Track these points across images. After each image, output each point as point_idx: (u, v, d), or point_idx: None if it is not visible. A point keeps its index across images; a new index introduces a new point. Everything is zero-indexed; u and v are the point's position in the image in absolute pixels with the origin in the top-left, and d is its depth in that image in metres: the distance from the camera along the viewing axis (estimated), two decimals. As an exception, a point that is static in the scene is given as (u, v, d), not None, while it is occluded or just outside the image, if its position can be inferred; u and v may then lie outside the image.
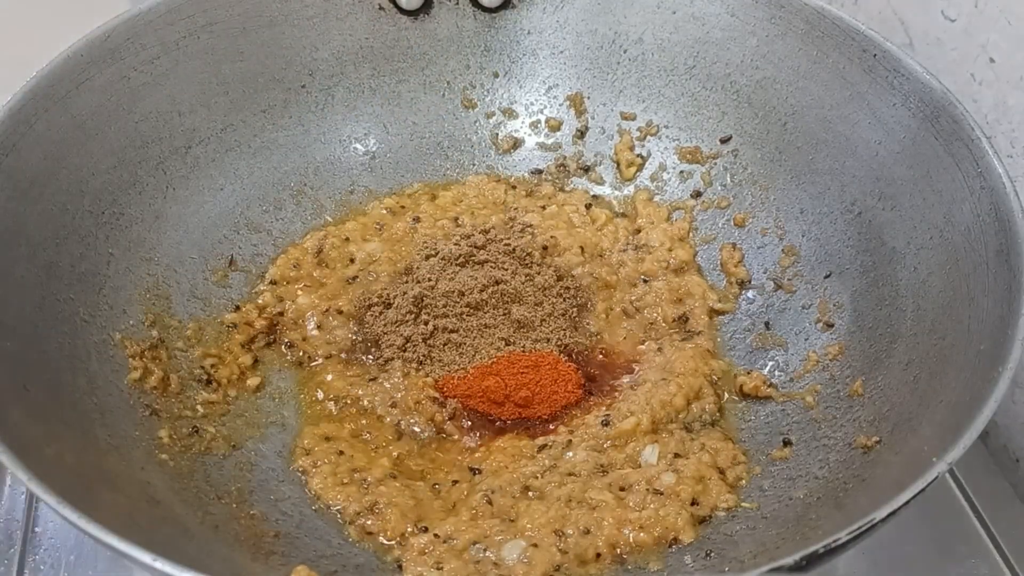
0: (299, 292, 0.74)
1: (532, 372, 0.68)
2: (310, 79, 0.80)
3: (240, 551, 0.56)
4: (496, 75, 0.84)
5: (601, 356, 0.72)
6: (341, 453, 0.65)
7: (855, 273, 0.70)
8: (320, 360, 0.71)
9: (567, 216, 0.80)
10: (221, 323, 0.71)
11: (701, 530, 0.60)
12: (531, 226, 0.79)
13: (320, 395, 0.69)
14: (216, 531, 0.57)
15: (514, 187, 0.83)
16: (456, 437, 0.67)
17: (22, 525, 0.66)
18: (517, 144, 0.85)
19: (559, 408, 0.68)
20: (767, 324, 0.73)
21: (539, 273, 0.73)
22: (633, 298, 0.75)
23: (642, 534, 0.59)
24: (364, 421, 0.68)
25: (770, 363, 0.71)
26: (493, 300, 0.72)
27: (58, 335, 0.60)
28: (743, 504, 0.61)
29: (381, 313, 0.73)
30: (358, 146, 0.82)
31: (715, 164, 0.80)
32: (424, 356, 0.70)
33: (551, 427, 0.67)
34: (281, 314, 0.73)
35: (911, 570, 0.66)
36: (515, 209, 0.80)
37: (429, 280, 0.73)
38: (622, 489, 0.61)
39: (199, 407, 0.66)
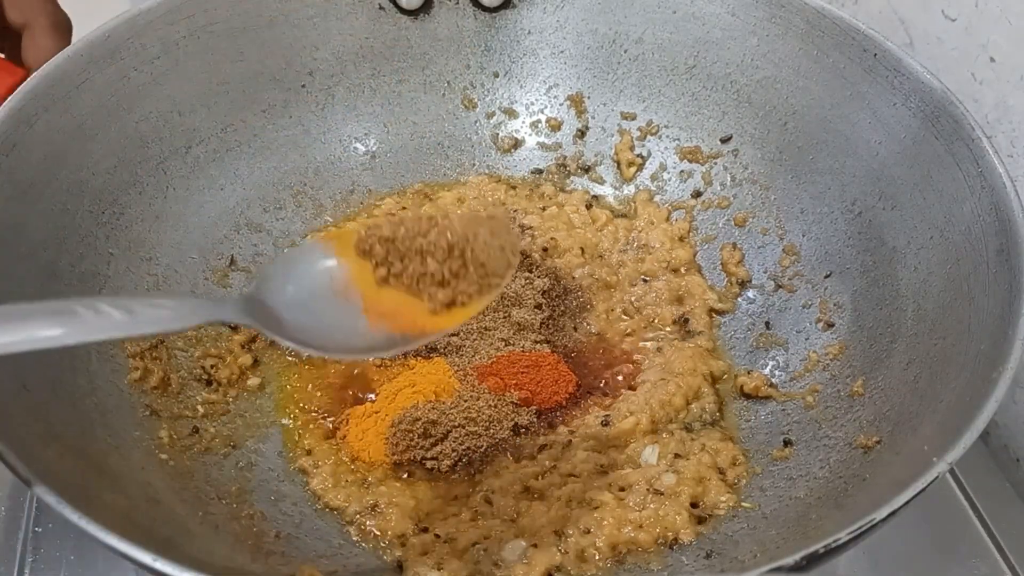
0: (299, 292, 0.74)
1: (532, 372, 0.68)
2: (310, 79, 0.80)
3: (240, 551, 0.56)
4: (496, 75, 0.84)
5: (601, 356, 0.72)
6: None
7: (855, 273, 0.70)
8: (320, 361, 0.71)
9: (567, 217, 0.80)
10: (221, 323, 0.71)
11: (701, 530, 0.60)
12: (531, 228, 0.79)
13: (320, 395, 0.69)
14: (216, 531, 0.57)
15: (514, 188, 0.83)
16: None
17: (22, 525, 0.66)
18: (517, 144, 0.85)
19: (559, 408, 0.68)
20: (767, 324, 0.73)
21: (539, 276, 0.73)
22: (633, 298, 0.75)
23: (642, 534, 0.59)
24: (364, 421, 0.67)
25: (770, 363, 0.71)
26: (493, 303, 0.71)
27: (58, 335, 0.60)
28: (743, 504, 0.61)
29: (381, 313, 0.73)
30: (358, 146, 0.82)
31: (715, 164, 0.80)
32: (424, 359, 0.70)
33: (551, 427, 0.67)
34: (281, 314, 0.73)
35: (911, 570, 0.66)
36: (515, 211, 0.80)
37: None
38: (622, 489, 0.61)
39: (199, 407, 0.66)
